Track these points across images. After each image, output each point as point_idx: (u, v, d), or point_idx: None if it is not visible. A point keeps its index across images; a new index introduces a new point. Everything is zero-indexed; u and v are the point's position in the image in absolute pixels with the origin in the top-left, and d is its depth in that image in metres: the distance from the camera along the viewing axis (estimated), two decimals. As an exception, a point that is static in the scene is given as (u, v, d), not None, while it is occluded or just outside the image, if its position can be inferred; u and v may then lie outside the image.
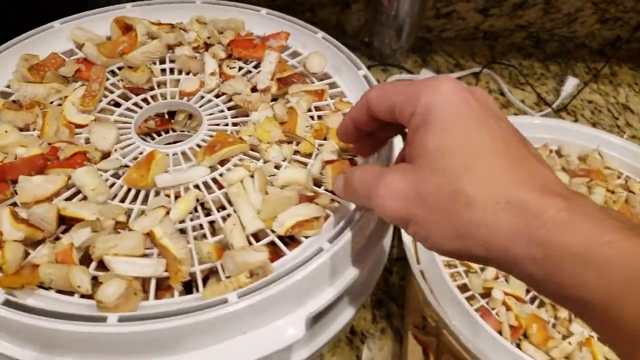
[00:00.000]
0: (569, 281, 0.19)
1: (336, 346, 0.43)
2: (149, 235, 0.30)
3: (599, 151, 0.56)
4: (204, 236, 0.31)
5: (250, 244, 0.31)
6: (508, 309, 0.42)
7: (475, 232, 0.21)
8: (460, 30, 0.88)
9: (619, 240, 0.18)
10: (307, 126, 0.38)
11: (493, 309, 0.42)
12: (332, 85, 0.43)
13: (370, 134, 0.30)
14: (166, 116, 0.44)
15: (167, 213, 0.31)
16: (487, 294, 0.43)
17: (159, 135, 0.44)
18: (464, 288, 0.44)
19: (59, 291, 0.28)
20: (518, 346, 0.40)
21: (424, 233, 0.23)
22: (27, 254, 0.30)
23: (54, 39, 0.45)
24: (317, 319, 0.30)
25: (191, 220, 0.32)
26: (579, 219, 0.19)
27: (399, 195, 0.24)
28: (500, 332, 0.40)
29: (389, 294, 0.50)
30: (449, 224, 0.22)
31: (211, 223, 0.33)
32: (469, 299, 0.42)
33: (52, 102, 0.40)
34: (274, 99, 0.41)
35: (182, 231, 0.32)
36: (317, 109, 0.41)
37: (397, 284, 0.52)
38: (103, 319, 0.26)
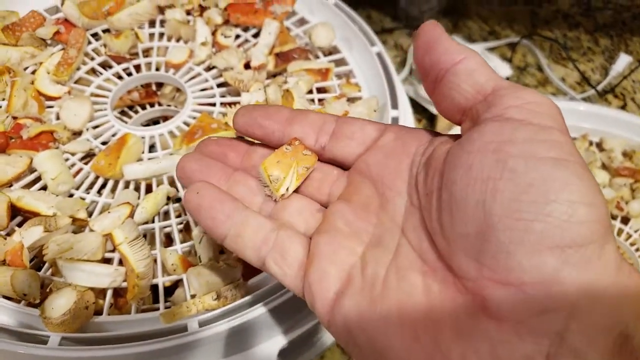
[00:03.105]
0: None
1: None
2: (109, 237, 0.26)
3: (649, 147, 0.49)
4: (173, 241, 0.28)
5: (223, 252, 0.27)
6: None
7: None
8: (500, -7, 0.79)
9: None
10: (304, 112, 0.33)
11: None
12: (340, 62, 0.38)
13: None
14: (153, 87, 0.39)
15: (132, 212, 0.27)
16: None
17: (144, 108, 0.39)
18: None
19: (7, 296, 0.25)
20: None
21: None
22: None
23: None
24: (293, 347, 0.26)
25: (166, 214, 0.29)
26: None
27: None
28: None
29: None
30: None
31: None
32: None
33: (25, 69, 0.36)
34: (275, 75, 0.36)
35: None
36: (320, 90, 0.36)
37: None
38: (44, 340, 0.23)
